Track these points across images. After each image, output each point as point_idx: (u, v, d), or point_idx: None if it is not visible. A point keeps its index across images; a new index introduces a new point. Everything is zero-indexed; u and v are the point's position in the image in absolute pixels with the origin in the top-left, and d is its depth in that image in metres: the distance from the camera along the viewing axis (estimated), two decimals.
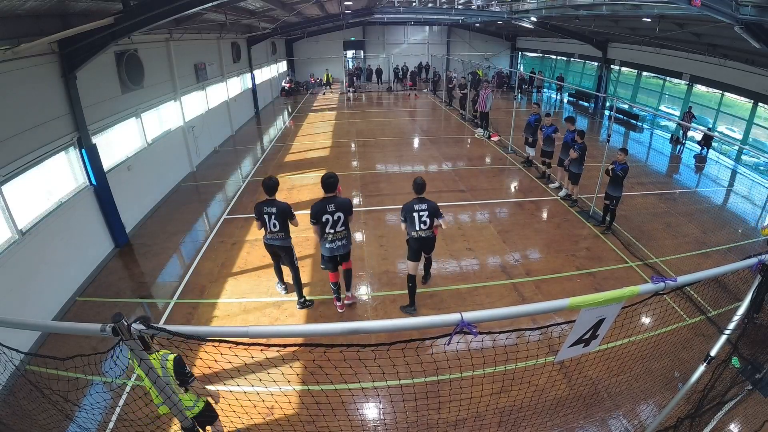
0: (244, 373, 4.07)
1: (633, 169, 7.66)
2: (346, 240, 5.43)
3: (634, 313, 2.57)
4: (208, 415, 3.53)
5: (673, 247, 7.55)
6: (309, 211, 5.29)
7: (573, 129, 9.16)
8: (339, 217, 5.22)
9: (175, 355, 3.17)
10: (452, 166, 11.88)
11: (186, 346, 2.35)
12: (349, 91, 25.02)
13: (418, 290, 6.04)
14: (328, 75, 27.99)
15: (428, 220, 5.42)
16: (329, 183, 5.21)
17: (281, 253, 5.73)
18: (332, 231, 5.28)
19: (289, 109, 21.92)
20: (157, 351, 3.11)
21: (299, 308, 5.96)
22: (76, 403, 4.05)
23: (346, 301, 5.97)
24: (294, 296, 6.11)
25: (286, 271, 6.11)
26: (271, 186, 5.38)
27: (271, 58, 23.27)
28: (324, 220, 5.19)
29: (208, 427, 3.71)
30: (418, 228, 5.46)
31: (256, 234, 8.16)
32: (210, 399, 3.49)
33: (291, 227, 5.56)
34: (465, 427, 3.96)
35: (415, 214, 5.43)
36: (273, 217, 5.35)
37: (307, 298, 6.10)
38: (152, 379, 1.91)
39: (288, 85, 26.17)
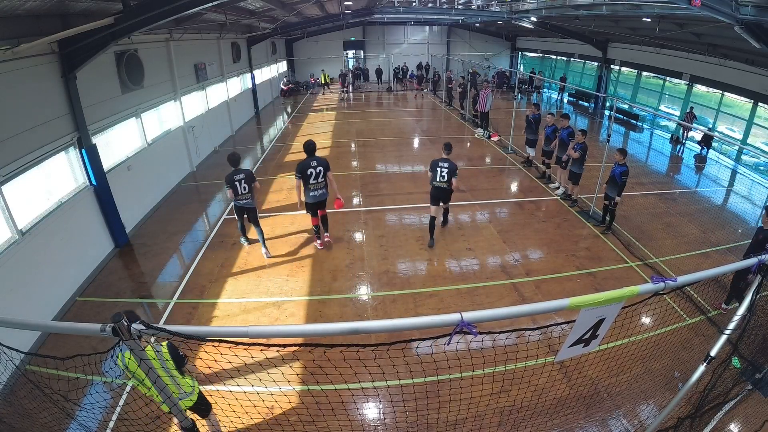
0: (244, 373, 4.07)
1: (633, 169, 7.66)
2: (324, 189, 6.89)
3: (634, 313, 2.57)
4: (204, 402, 3.61)
5: (673, 247, 7.55)
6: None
7: (566, 126, 9.17)
8: (320, 171, 6.70)
9: (166, 341, 3.24)
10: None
11: (186, 346, 2.35)
12: (343, 92, 24.64)
13: (418, 290, 6.29)
14: (325, 75, 27.67)
15: (446, 176, 6.92)
16: (310, 148, 6.65)
17: (248, 214, 7.13)
18: (315, 181, 6.73)
19: (289, 110, 21.91)
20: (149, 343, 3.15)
21: (267, 256, 7.28)
22: (76, 403, 4.05)
23: (325, 239, 7.51)
24: (291, 295, 6.17)
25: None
26: (312, 148, 6.68)
27: (271, 58, 23.27)
28: (308, 173, 6.65)
29: (204, 422, 3.72)
30: (438, 179, 7.01)
31: (256, 234, 8.17)
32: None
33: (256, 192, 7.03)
34: (465, 427, 3.96)
35: (438, 168, 6.96)
36: (242, 182, 6.76)
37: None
38: (152, 379, 1.91)
39: (286, 87, 25.68)
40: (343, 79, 26.14)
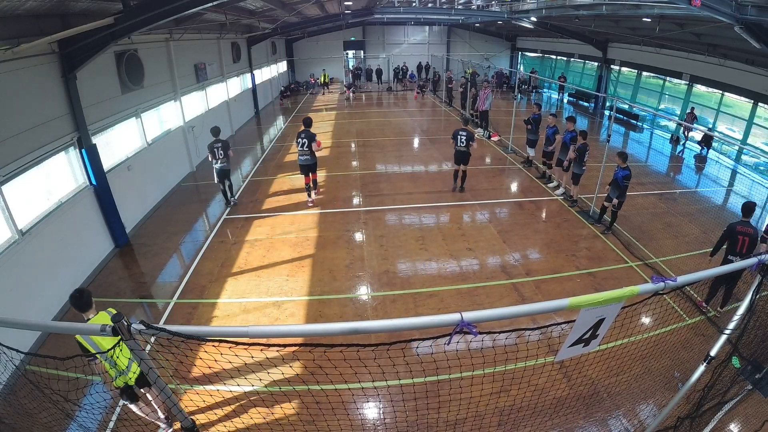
0: (244, 373, 4.07)
1: (633, 170, 7.65)
2: (309, 156, 8.87)
3: (634, 313, 2.57)
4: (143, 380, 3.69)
5: (673, 247, 7.55)
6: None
7: (573, 129, 9.16)
8: (304, 142, 8.70)
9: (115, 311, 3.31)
10: (452, 166, 11.88)
11: (186, 346, 2.35)
12: (348, 91, 24.41)
13: (418, 290, 6.35)
14: (325, 75, 27.53)
15: (465, 141, 9.29)
16: (307, 122, 8.90)
17: (227, 175, 9.20)
18: (300, 149, 8.79)
19: (289, 109, 21.88)
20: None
21: (233, 202, 9.59)
22: (76, 403, 4.05)
23: (314, 195, 9.50)
24: (291, 295, 6.18)
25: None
26: (308, 123, 8.94)
27: (271, 58, 23.26)
28: (296, 143, 8.88)
29: (148, 394, 3.80)
30: (458, 144, 9.37)
31: (256, 234, 8.18)
32: None
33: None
34: (465, 427, 3.96)
35: (459, 136, 9.35)
36: (219, 149, 8.81)
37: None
38: (152, 379, 1.91)
39: (282, 100, 24.12)
40: (351, 79, 25.96)
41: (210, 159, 8.89)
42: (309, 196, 9.41)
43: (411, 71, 29.06)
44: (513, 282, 6.57)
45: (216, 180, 9.14)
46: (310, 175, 9.15)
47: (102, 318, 3.48)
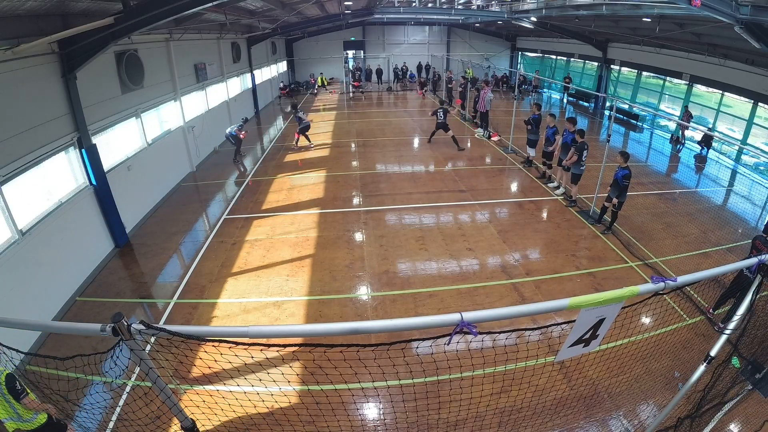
0: (244, 373, 4.07)
1: (633, 169, 7.65)
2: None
3: (634, 313, 2.57)
4: (54, 428, 3.55)
5: (673, 247, 7.55)
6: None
7: (573, 130, 9.16)
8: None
9: (8, 372, 3.23)
10: (452, 166, 11.88)
11: (186, 346, 2.35)
12: (353, 90, 24.23)
13: (418, 290, 6.31)
14: (322, 78, 27.49)
15: (443, 115, 13.25)
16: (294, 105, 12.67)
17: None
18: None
19: (288, 109, 21.85)
20: None
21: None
22: (76, 403, 4.05)
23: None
24: (291, 295, 6.17)
25: None
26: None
27: (271, 58, 23.26)
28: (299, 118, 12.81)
29: None
30: (438, 118, 13.27)
31: (256, 234, 8.18)
32: (50, 412, 3.49)
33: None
34: (465, 428, 3.96)
35: (438, 112, 13.22)
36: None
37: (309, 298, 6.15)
38: (152, 379, 1.90)
39: (283, 92, 25.56)
40: (353, 76, 25.99)
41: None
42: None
43: (411, 71, 29.05)
44: (513, 282, 6.57)
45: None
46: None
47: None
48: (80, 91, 6.71)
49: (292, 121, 18.69)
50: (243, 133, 12.90)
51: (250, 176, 11.63)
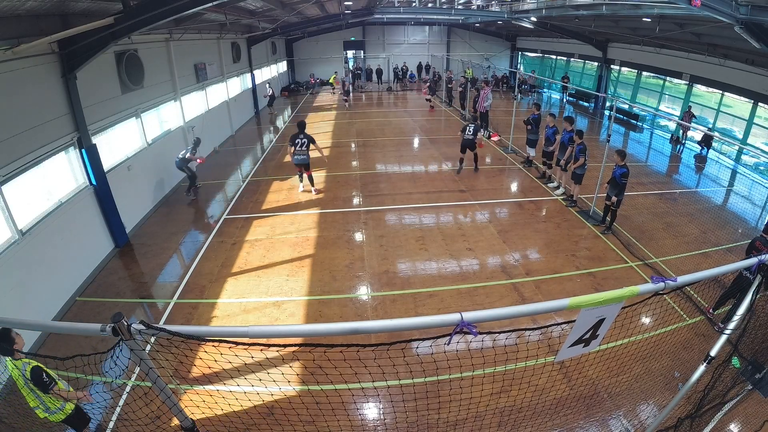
0: (244, 373, 4.07)
1: (633, 169, 7.66)
2: (305, 156, 9.52)
3: (634, 313, 2.57)
4: (80, 417, 3.69)
5: (673, 247, 7.55)
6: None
7: (570, 129, 9.16)
8: (304, 142, 9.41)
9: (34, 364, 3.27)
10: (452, 166, 11.88)
11: (186, 346, 2.35)
12: (344, 98, 21.52)
13: (418, 290, 6.34)
14: (334, 78, 27.09)
15: (473, 131, 10.77)
16: (302, 125, 9.71)
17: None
18: (300, 149, 9.44)
19: (289, 110, 21.87)
20: (21, 359, 3.24)
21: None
22: (76, 403, 4.04)
23: (311, 190, 10.05)
24: (291, 295, 6.18)
25: None
26: (302, 126, 9.73)
27: (271, 58, 23.25)
28: (296, 142, 9.42)
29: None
30: (466, 135, 10.80)
31: (256, 234, 8.18)
32: (82, 399, 3.64)
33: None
34: (465, 428, 3.96)
35: (467, 128, 10.83)
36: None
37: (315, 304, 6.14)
38: (152, 379, 1.90)
39: (267, 95, 19.85)
40: (343, 84, 22.19)
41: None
42: (301, 182, 10.17)
43: (411, 71, 29.04)
44: (513, 282, 6.56)
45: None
46: (305, 172, 9.92)
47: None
48: (80, 91, 6.70)
49: (290, 123, 18.67)
50: (200, 158, 10.02)
51: (249, 176, 11.62)
